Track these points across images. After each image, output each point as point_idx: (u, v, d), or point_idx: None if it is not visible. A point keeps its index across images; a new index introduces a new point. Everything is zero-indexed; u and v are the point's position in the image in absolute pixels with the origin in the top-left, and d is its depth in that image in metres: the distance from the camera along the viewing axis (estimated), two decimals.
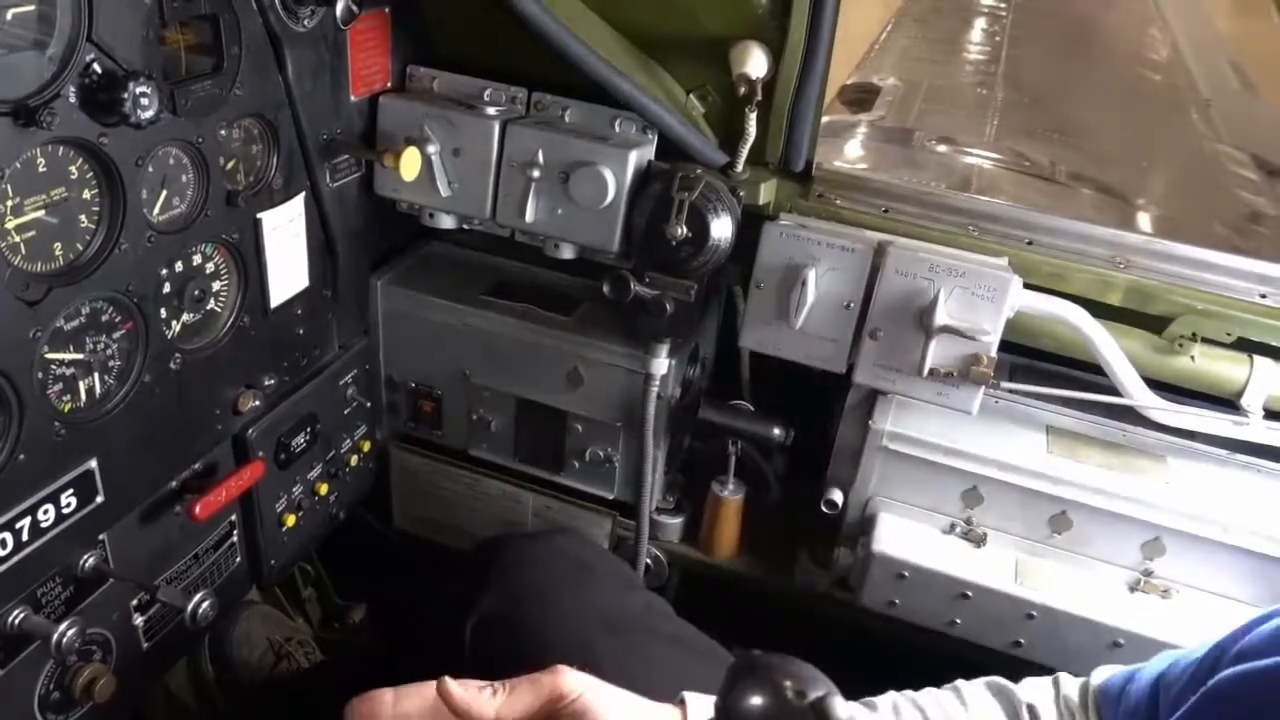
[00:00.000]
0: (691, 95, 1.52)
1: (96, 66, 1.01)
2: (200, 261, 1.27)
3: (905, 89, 3.49)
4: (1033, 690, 1.06)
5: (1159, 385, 1.47)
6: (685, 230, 1.42)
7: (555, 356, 1.64)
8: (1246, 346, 1.45)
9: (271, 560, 1.54)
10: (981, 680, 1.09)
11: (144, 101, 1.01)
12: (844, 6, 1.39)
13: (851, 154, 2.82)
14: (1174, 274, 1.47)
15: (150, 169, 1.13)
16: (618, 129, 1.51)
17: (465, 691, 0.84)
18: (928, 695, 1.07)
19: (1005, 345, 1.42)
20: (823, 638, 1.37)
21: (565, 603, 1.27)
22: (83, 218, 1.07)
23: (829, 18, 1.38)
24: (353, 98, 1.49)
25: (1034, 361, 1.60)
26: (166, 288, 1.21)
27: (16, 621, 1.09)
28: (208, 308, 1.30)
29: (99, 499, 1.17)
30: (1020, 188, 2.71)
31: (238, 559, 1.49)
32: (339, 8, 1.33)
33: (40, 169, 1.01)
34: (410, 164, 1.42)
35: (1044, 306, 1.43)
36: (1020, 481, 1.47)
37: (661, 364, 1.57)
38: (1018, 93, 3.62)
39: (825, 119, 1.62)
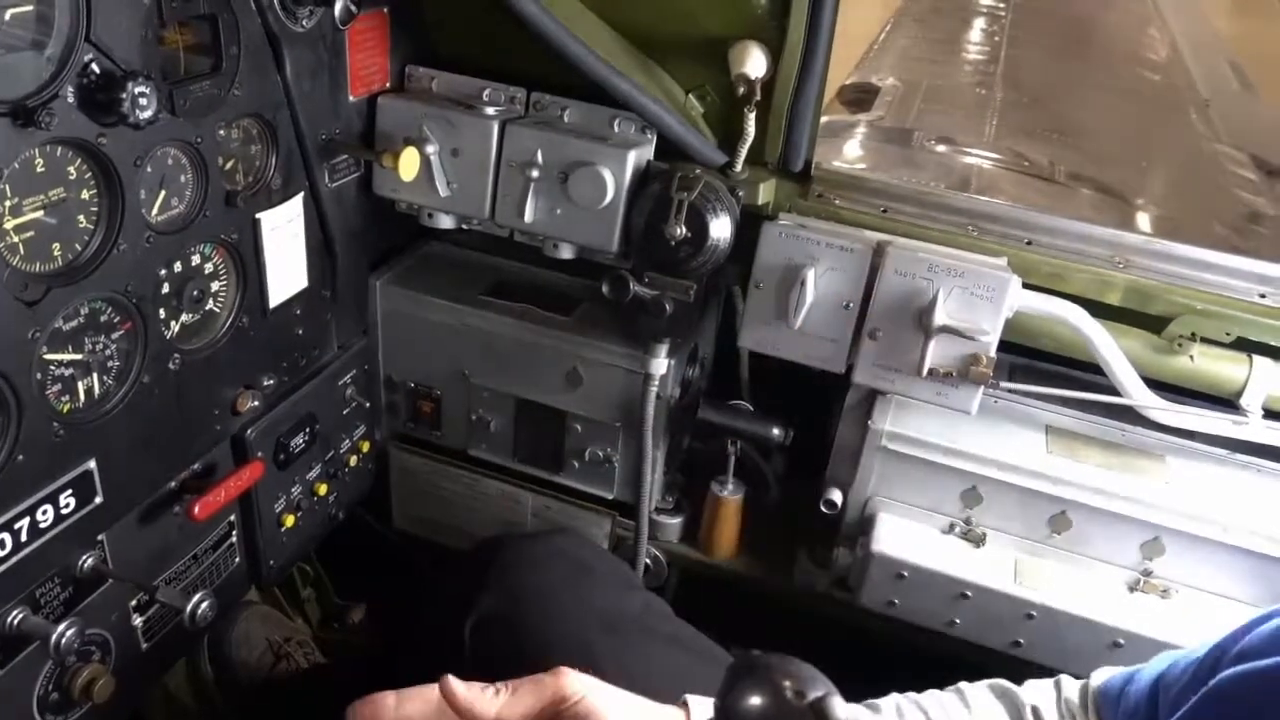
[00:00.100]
0: (690, 95, 1.52)
1: (95, 66, 1.01)
2: (199, 262, 1.26)
3: (904, 89, 3.49)
4: (1035, 692, 1.06)
5: (1158, 385, 1.47)
6: (684, 230, 1.42)
7: (554, 356, 1.64)
8: (1246, 346, 1.45)
9: (270, 560, 1.54)
10: (984, 682, 1.09)
11: (142, 102, 1.00)
12: (843, 6, 1.39)
13: (851, 154, 2.82)
14: (1173, 274, 1.47)
15: (149, 169, 1.13)
16: (617, 129, 1.51)
17: (468, 691, 0.84)
18: (931, 697, 1.07)
19: (1004, 345, 1.42)
20: (822, 638, 1.37)
21: (564, 603, 1.27)
22: (81, 218, 1.07)
23: (828, 18, 1.38)
24: (351, 98, 1.48)
25: (1033, 361, 1.60)
26: (165, 288, 1.21)
27: (15, 622, 1.09)
28: (206, 308, 1.30)
29: (98, 499, 1.16)
30: (1019, 188, 2.71)
31: (237, 559, 1.48)
32: (337, 8, 1.33)
33: (39, 169, 1.01)
34: (409, 164, 1.42)
35: (1043, 306, 1.43)
36: (1019, 481, 1.47)
37: (661, 364, 1.57)
38: (1017, 93, 3.63)
39: (824, 119, 1.63)
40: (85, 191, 1.07)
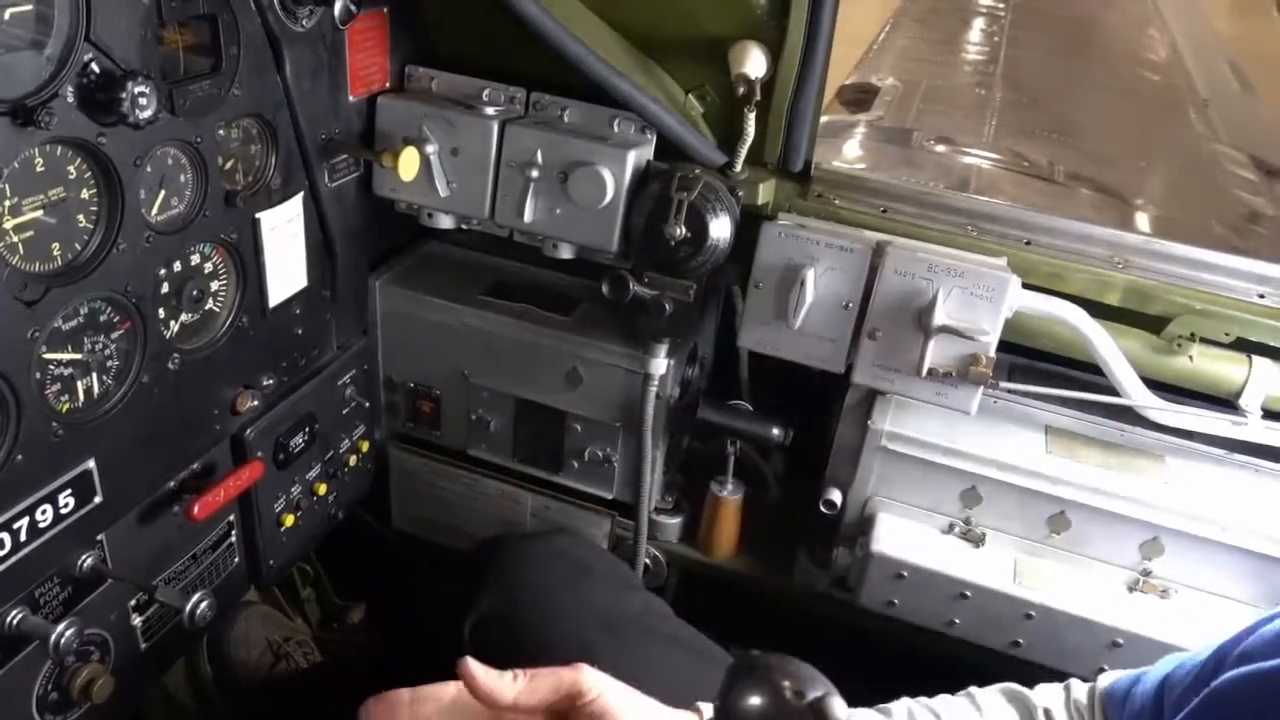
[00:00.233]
0: (690, 95, 1.52)
1: (94, 66, 1.01)
2: (199, 261, 1.26)
3: (904, 89, 3.50)
4: (1046, 695, 1.06)
5: (1157, 385, 1.47)
6: (684, 230, 1.42)
7: (554, 356, 1.64)
8: (1245, 346, 1.45)
9: (270, 560, 1.54)
10: (996, 686, 1.09)
11: (142, 101, 1.00)
12: (843, 6, 1.39)
13: (850, 154, 2.83)
14: (1172, 274, 1.47)
15: (149, 169, 1.13)
16: (616, 129, 1.51)
17: (486, 675, 0.83)
18: (942, 702, 1.07)
19: (1004, 345, 1.42)
20: (821, 638, 1.37)
21: (564, 603, 1.27)
22: (81, 218, 1.07)
23: (828, 18, 1.38)
24: (351, 98, 1.48)
25: (1033, 361, 1.60)
26: (165, 288, 1.21)
27: (14, 622, 1.09)
28: (206, 308, 1.30)
29: (97, 499, 1.16)
30: (1019, 188, 2.71)
31: (236, 559, 1.48)
32: (337, 7, 1.33)
33: (38, 169, 1.01)
34: (409, 164, 1.42)
35: (1042, 306, 1.43)
36: (1019, 481, 1.47)
37: (660, 364, 1.57)
38: (1016, 93, 3.63)
39: (824, 119, 1.63)
40: (85, 191, 1.07)
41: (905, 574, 1.50)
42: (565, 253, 1.57)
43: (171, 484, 1.30)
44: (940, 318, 1.38)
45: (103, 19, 1.01)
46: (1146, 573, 1.47)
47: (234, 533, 1.46)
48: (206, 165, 1.21)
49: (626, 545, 1.73)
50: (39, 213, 1.02)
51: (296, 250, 1.43)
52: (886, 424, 1.51)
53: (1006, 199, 2.50)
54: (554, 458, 1.74)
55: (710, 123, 1.53)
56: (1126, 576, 1.48)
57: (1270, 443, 1.45)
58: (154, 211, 1.16)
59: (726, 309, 1.72)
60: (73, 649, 1.11)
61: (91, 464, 1.14)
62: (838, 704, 0.67)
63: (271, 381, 1.43)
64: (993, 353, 1.39)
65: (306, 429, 1.52)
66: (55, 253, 1.05)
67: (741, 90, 1.41)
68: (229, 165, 1.27)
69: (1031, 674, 1.33)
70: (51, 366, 1.08)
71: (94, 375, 1.14)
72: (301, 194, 1.41)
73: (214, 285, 1.30)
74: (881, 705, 1.06)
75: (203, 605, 1.22)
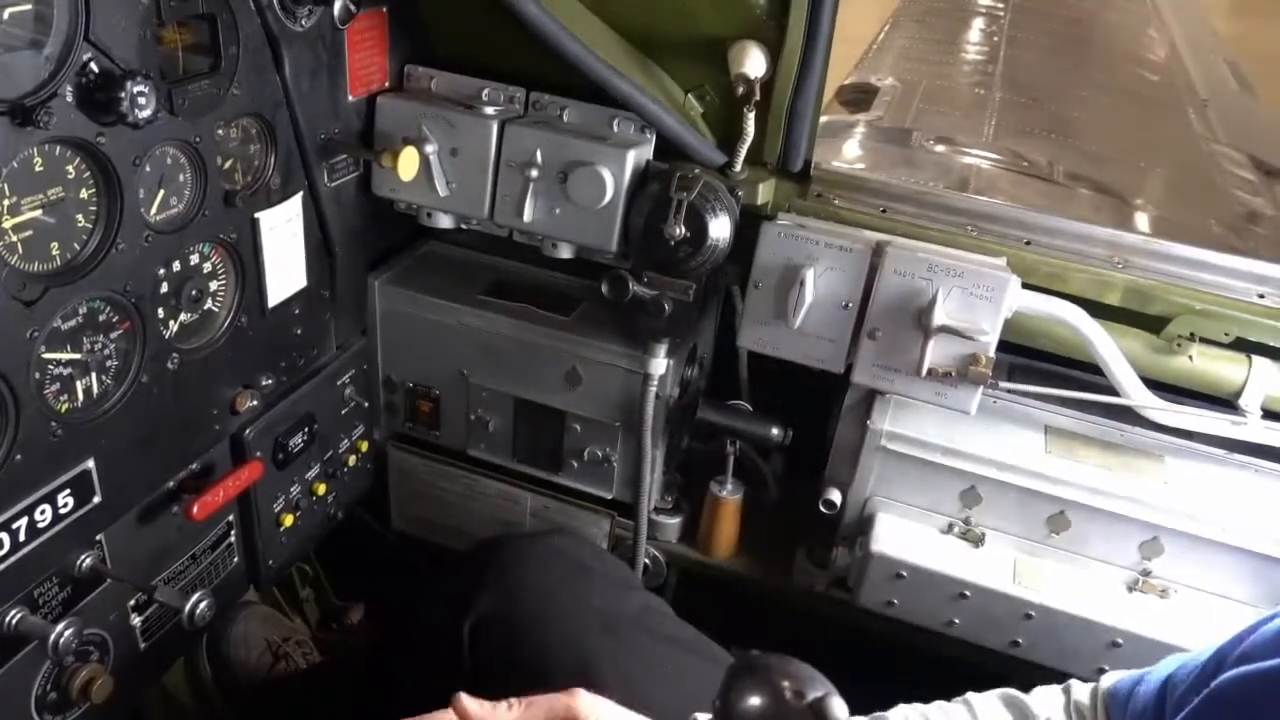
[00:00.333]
0: (690, 95, 1.51)
1: (93, 66, 1.01)
2: (198, 261, 1.26)
3: (903, 89, 3.50)
4: (1044, 700, 1.06)
5: (1157, 385, 1.47)
6: (683, 230, 1.42)
7: (553, 356, 1.64)
8: (1244, 346, 1.45)
9: (269, 560, 1.54)
10: (993, 692, 1.08)
11: (141, 101, 1.00)
12: (842, 6, 1.39)
13: (850, 154, 2.83)
14: (1172, 274, 1.47)
15: (148, 168, 1.13)
16: (616, 129, 1.51)
17: (480, 709, 0.84)
18: (938, 710, 1.07)
19: (1003, 345, 1.42)
20: (821, 638, 1.37)
21: (563, 603, 1.27)
22: (80, 217, 1.07)
23: (827, 18, 1.38)
24: (350, 97, 1.48)
25: (1032, 361, 1.60)
26: (164, 287, 1.21)
27: (13, 622, 1.09)
28: (205, 307, 1.30)
29: (96, 499, 1.16)
30: (1018, 188, 2.71)
31: (235, 559, 1.48)
32: (336, 7, 1.33)
33: (37, 168, 1.01)
34: (408, 164, 1.42)
35: (1042, 306, 1.43)
36: (1018, 481, 1.47)
37: (660, 364, 1.57)
38: (1016, 93, 3.63)
39: (823, 119, 1.63)
40: (84, 191, 1.06)
41: (904, 574, 1.50)
42: (565, 252, 1.57)
43: (171, 484, 1.30)
44: (940, 318, 1.38)
45: (102, 18, 1.01)
46: (1146, 573, 1.47)
47: (233, 533, 1.46)
48: (205, 165, 1.21)
49: (626, 545, 1.73)
50: (38, 212, 1.02)
51: (296, 250, 1.43)
52: (886, 424, 1.51)
53: (1006, 199, 2.50)
54: (553, 458, 1.74)
55: (710, 123, 1.53)
56: (1126, 576, 1.48)
57: (1270, 443, 1.45)
58: (153, 211, 1.16)
59: (726, 309, 1.72)
60: (72, 649, 1.11)
61: (91, 464, 1.14)
62: (837, 704, 0.67)
63: (271, 381, 1.43)
64: (992, 353, 1.39)
65: (306, 429, 1.52)
66: (54, 252, 1.05)
67: (741, 90, 1.41)
68: (228, 165, 1.27)
69: (1031, 674, 1.34)
70: (50, 366, 1.08)
71: (93, 375, 1.14)
72: (301, 194, 1.41)
73: (213, 285, 1.30)
74: (878, 714, 1.06)
75: (202, 605, 1.21)
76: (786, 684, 0.68)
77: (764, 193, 1.55)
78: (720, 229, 1.45)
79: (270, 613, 1.86)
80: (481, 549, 1.38)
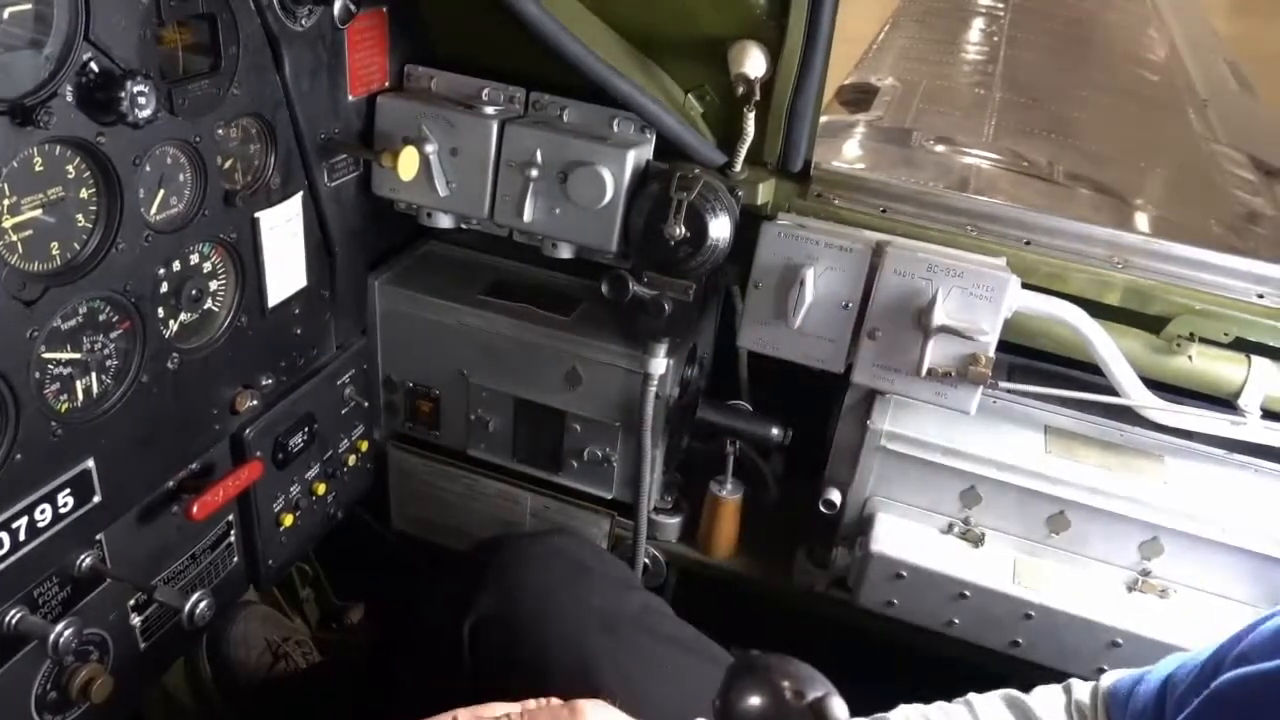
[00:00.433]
0: (690, 95, 1.51)
1: (94, 65, 1.01)
2: (198, 261, 1.26)
3: (903, 89, 3.50)
4: (1045, 701, 1.06)
5: (1157, 385, 1.47)
6: (683, 230, 1.42)
7: (553, 356, 1.64)
8: (1244, 346, 1.45)
9: (269, 560, 1.54)
10: (995, 693, 1.08)
11: (141, 101, 1.00)
12: (842, 6, 1.39)
13: (850, 154, 2.83)
14: (1172, 274, 1.48)
15: (148, 168, 1.13)
16: (616, 129, 1.51)
17: None
18: (939, 710, 1.07)
19: (1003, 345, 1.42)
20: (820, 638, 1.37)
21: (563, 603, 1.27)
22: (80, 217, 1.07)
23: (827, 18, 1.38)
24: (350, 97, 1.48)
25: (1032, 361, 1.60)
26: (164, 287, 1.21)
27: (13, 621, 1.09)
28: (205, 307, 1.30)
29: (96, 499, 1.16)
30: (1018, 188, 2.71)
31: (235, 559, 1.48)
32: (336, 7, 1.33)
33: (37, 168, 1.01)
34: (408, 163, 1.42)
35: (1042, 306, 1.43)
36: (1018, 481, 1.47)
37: (660, 364, 1.57)
38: (1016, 93, 3.63)
39: (823, 119, 1.62)
40: (84, 190, 1.06)
41: (904, 574, 1.50)
42: (565, 252, 1.57)
43: (170, 484, 1.30)
44: (940, 318, 1.38)
45: (102, 18, 1.01)
46: (1146, 572, 1.47)
47: (233, 532, 1.46)
48: (205, 165, 1.21)
49: (626, 545, 1.73)
50: (38, 212, 1.02)
51: (295, 250, 1.43)
52: (886, 424, 1.51)
53: (1006, 199, 2.50)
54: (553, 458, 1.74)
55: (710, 122, 1.53)
56: (1126, 576, 1.48)
57: (1269, 443, 1.45)
58: (153, 211, 1.16)
59: (726, 309, 1.72)
60: (71, 648, 1.11)
61: (90, 463, 1.14)
62: (837, 704, 0.67)
63: (270, 381, 1.43)
64: (992, 353, 1.39)
65: (305, 429, 1.52)
66: (54, 252, 1.05)
67: (741, 90, 1.41)
68: (228, 165, 1.27)
69: (1031, 674, 1.34)
70: (50, 366, 1.08)
71: (93, 375, 1.14)
72: (301, 193, 1.41)
73: (213, 285, 1.30)
74: (879, 715, 1.06)
75: (202, 605, 1.21)
76: (786, 684, 0.68)
77: (764, 193, 1.55)
78: (720, 229, 1.45)
79: (270, 612, 1.86)
80: (481, 549, 1.38)
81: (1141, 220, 2.67)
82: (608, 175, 1.45)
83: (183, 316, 1.25)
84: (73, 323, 1.09)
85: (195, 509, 1.26)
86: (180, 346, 1.26)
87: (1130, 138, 3.48)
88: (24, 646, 1.12)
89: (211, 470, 1.36)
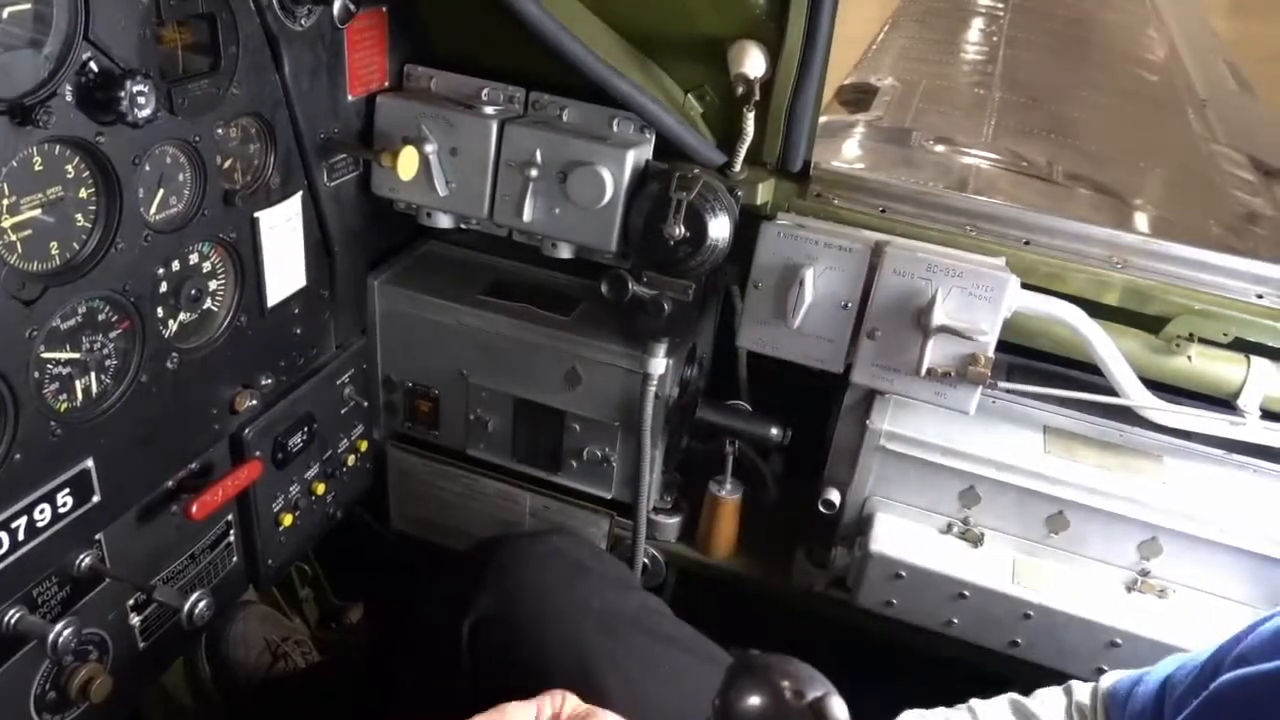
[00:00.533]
0: (689, 95, 1.51)
1: (93, 65, 1.01)
2: (197, 261, 1.26)
3: (903, 89, 3.50)
4: (1047, 703, 1.06)
5: (1156, 385, 1.47)
6: (683, 230, 1.42)
7: (553, 356, 1.64)
8: (1243, 347, 1.46)
9: (268, 560, 1.54)
10: (999, 698, 1.08)
11: (141, 100, 1.00)
12: (842, 6, 1.39)
13: (849, 154, 2.83)
14: (1171, 274, 1.48)
15: (147, 168, 1.13)
16: (615, 129, 1.51)
17: None
18: (940, 715, 1.07)
19: (1002, 345, 1.42)
20: (820, 638, 1.37)
21: (562, 603, 1.27)
22: (79, 217, 1.07)
23: (827, 18, 1.38)
24: (350, 97, 1.48)
25: (1031, 361, 1.60)
26: (163, 287, 1.21)
27: (12, 621, 1.09)
28: (204, 307, 1.29)
29: (95, 498, 1.16)
30: (1017, 188, 2.71)
31: (234, 559, 1.48)
32: (336, 7, 1.33)
33: (37, 168, 1.01)
34: (408, 163, 1.42)
35: (1041, 306, 1.43)
36: (1017, 481, 1.47)
37: (659, 364, 1.57)
38: (1015, 93, 3.63)
39: (823, 119, 1.62)
40: (83, 190, 1.06)
41: (903, 574, 1.50)
42: (564, 252, 1.57)
43: (170, 483, 1.30)
44: (939, 317, 1.38)
45: (101, 18, 1.01)
46: (1145, 573, 1.47)
47: (232, 532, 1.46)
48: (205, 164, 1.21)
49: (625, 545, 1.73)
50: (37, 212, 1.02)
51: (295, 249, 1.43)
52: (885, 424, 1.51)
53: (1005, 199, 2.50)
54: (553, 457, 1.74)
55: (709, 123, 1.53)
56: (1125, 576, 1.48)
57: (1268, 443, 1.45)
58: (152, 211, 1.16)
59: (725, 309, 1.72)
60: (71, 648, 1.11)
61: (90, 463, 1.14)
62: (837, 704, 0.67)
63: (270, 381, 1.43)
64: (991, 353, 1.39)
65: (305, 429, 1.52)
66: (53, 252, 1.05)
67: (740, 90, 1.41)
68: (227, 164, 1.27)
69: (1030, 674, 1.34)
70: (50, 366, 1.08)
71: (92, 374, 1.14)
72: (300, 193, 1.41)
73: (212, 284, 1.30)
74: None
75: (201, 605, 1.21)
76: (786, 684, 0.68)
77: (763, 193, 1.55)
78: (720, 229, 1.45)
79: (269, 612, 1.86)
80: (481, 549, 1.38)
81: (1141, 220, 2.67)
82: (607, 175, 1.45)
83: (182, 316, 1.25)
84: (72, 322, 1.09)
85: (194, 509, 1.26)
86: (180, 346, 1.26)
87: (1129, 138, 3.49)
88: (23, 646, 1.12)
89: (211, 470, 1.36)
